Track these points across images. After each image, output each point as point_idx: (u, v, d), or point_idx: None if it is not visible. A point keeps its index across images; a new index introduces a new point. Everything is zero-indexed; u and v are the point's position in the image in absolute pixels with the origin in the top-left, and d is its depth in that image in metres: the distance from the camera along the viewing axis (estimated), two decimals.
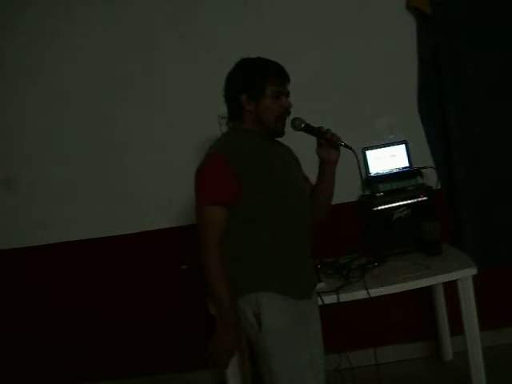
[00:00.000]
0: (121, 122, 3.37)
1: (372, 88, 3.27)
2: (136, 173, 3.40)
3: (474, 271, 2.63)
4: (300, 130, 2.15)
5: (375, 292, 2.56)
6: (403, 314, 3.40)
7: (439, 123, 3.25)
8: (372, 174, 3.18)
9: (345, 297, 2.56)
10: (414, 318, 3.43)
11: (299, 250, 2.12)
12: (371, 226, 3.09)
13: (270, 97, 2.08)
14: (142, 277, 3.45)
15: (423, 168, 3.15)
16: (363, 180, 3.21)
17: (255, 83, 2.08)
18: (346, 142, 2.15)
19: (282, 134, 2.15)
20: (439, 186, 3.24)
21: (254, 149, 2.09)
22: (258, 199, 2.02)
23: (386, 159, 3.23)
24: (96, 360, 3.51)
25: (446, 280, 2.67)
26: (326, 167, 2.18)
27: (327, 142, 2.13)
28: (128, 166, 3.40)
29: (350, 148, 2.13)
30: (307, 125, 2.16)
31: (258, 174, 2.04)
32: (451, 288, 2.81)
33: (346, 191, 2.97)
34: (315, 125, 2.18)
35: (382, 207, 3.04)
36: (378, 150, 3.23)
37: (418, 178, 3.12)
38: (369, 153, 3.22)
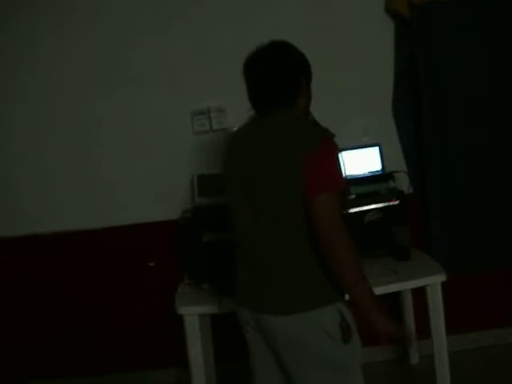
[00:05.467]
0: (94, 117, 3.30)
1: (347, 88, 3.24)
2: (105, 169, 3.34)
3: (442, 278, 2.63)
4: None
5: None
6: None
7: (413, 128, 3.25)
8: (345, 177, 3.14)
9: None
10: None
11: None
12: None
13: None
14: (106, 273, 3.39)
15: (396, 172, 3.14)
16: None
17: (310, 68, 1.98)
18: None
19: None
20: (411, 191, 3.23)
21: None
22: None
23: (359, 162, 3.18)
24: (60, 356, 3.44)
25: (415, 286, 2.66)
26: None
27: None
28: (99, 161, 3.34)
29: None
30: (315, 120, 2.21)
31: None
32: (419, 292, 2.81)
33: None
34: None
35: (354, 210, 2.98)
36: (351, 151, 3.18)
37: (390, 181, 3.09)
38: (342, 154, 3.15)
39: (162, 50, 3.25)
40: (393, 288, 2.63)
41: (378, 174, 3.16)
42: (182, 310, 2.61)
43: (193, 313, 2.61)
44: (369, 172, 3.17)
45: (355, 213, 2.99)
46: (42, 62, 3.27)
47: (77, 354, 3.43)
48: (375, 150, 3.21)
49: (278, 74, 1.89)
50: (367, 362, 3.29)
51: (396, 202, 3.01)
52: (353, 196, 3.02)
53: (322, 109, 3.05)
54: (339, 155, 1.83)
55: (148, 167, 3.30)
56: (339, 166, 1.81)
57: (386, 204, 3.01)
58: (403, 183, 3.22)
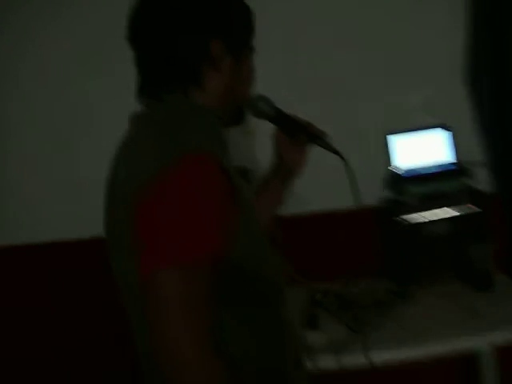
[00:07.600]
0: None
1: (405, 52, 2.49)
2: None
3: None
4: (264, 118, 1.34)
5: (396, 354, 1.70)
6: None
7: (495, 105, 2.46)
8: (399, 171, 2.37)
9: (347, 360, 1.69)
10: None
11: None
12: (394, 243, 2.33)
13: (251, 53, 1.20)
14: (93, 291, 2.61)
15: (472, 165, 2.37)
16: (386, 178, 2.45)
17: (242, 25, 1.18)
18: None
19: (243, 119, 1.26)
20: (493, 191, 2.47)
21: (226, 151, 1.17)
22: (246, 249, 1.07)
23: (420, 150, 2.45)
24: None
25: (504, 341, 1.79)
26: (289, 177, 1.44)
27: (309, 140, 1.36)
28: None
29: (339, 153, 1.33)
30: (279, 111, 1.34)
31: (247, 201, 1.11)
32: None
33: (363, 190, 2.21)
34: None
35: (412, 218, 2.28)
36: (408, 135, 2.45)
37: (465, 178, 2.35)
38: (394, 139, 2.42)
39: None
40: (470, 343, 1.78)
41: (446, 167, 2.41)
42: None
43: None
44: (434, 164, 2.42)
45: (414, 223, 2.27)
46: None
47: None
48: (442, 134, 2.46)
49: (157, 36, 1.11)
50: None
51: (474, 208, 2.30)
52: (411, 198, 2.31)
53: (370, 78, 2.44)
54: (212, 191, 0.99)
55: None
56: (204, 212, 0.97)
57: (458, 211, 2.30)
58: (480, 181, 2.43)
